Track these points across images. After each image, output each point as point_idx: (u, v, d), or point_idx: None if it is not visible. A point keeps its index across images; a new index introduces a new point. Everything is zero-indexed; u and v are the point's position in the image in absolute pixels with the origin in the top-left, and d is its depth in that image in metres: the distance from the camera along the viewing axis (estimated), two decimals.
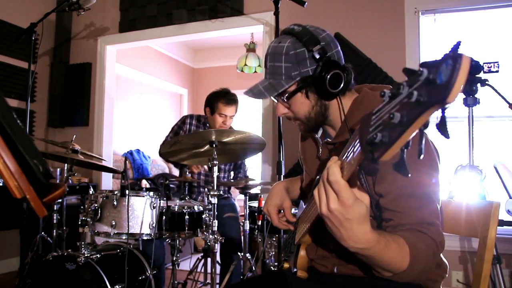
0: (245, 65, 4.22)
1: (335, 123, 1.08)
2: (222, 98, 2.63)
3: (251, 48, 4.30)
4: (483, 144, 2.53)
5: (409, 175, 0.51)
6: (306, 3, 2.24)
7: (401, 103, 0.48)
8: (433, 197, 0.90)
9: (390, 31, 2.85)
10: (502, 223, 1.98)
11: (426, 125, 0.48)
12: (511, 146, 2.65)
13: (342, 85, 0.99)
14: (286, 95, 1.05)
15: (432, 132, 0.53)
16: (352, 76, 1.04)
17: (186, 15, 3.46)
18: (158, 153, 2.42)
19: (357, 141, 0.59)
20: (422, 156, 0.50)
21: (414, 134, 0.48)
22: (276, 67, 1.03)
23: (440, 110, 0.46)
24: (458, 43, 0.47)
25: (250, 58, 4.20)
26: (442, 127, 0.48)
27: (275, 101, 1.11)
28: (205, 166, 2.63)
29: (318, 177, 0.99)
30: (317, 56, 0.97)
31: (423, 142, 0.49)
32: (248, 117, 5.93)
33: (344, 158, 0.67)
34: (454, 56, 0.44)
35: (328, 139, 1.10)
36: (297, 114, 1.08)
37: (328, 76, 0.97)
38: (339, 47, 1.04)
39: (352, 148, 0.62)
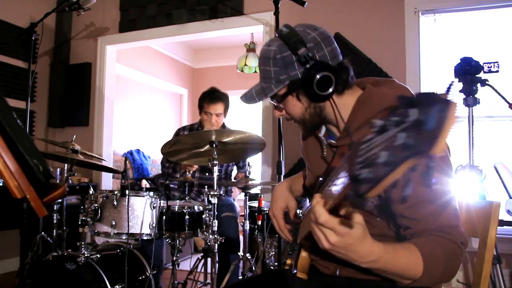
0: (245, 65, 4.21)
1: (336, 122, 1.05)
2: (206, 96, 2.67)
3: (251, 48, 4.29)
4: (483, 144, 2.53)
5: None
6: (306, 3, 2.23)
7: (388, 142, 0.47)
8: (450, 199, 0.89)
9: (390, 31, 2.85)
10: (502, 223, 1.98)
11: (413, 169, 0.46)
12: (511, 146, 2.65)
13: (333, 86, 0.96)
14: (278, 98, 1.04)
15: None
16: (350, 74, 1.00)
17: (186, 15, 3.46)
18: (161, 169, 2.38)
19: (346, 172, 0.58)
20: (406, 200, 0.48)
21: (400, 175, 0.47)
22: (266, 71, 1.02)
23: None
24: (451, 84, 0.45)
25: (250, 58, 4.20)
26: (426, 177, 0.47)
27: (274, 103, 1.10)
28: (196, 166, 2.62)
29: (321, 179, 0.99)
30: (303, 60, 0.95)
31: (408, 188, 0.48)
32: (248, 117, 5.93)
33: (327, 192, 0.70)
34: (444, 102, 0.43)
35: (332, 141, 1.08)
36: (292, 116, 1.07)
37: (316, 79, 0.94)
38: (335, 44, 1.01)
39: (341, 178, 0.61)
